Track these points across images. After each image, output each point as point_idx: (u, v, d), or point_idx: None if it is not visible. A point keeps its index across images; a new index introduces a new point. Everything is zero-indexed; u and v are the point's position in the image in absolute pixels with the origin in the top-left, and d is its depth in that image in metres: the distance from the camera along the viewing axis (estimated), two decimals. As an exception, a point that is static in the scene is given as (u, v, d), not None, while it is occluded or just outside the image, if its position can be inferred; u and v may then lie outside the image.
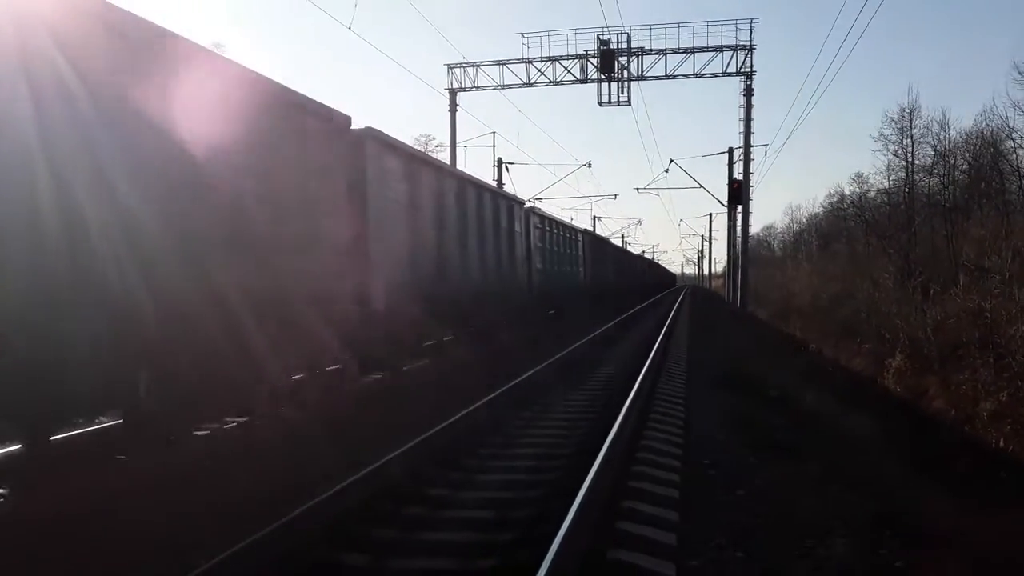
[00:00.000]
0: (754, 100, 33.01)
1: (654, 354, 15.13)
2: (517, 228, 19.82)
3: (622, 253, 57.70)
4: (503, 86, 32.46)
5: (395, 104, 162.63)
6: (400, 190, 11.98)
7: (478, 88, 33.11)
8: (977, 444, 12.26)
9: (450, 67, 33.07)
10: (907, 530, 6.51)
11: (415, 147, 18.16)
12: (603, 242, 42.97)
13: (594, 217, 61.93)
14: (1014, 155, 26.24)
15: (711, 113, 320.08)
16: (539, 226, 23.43)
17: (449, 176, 15.16)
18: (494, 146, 43.17)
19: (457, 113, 33.43)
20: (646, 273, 78.29)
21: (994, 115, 32.59)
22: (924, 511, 7.70)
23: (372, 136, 11.10)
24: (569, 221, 31.85)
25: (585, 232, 33.29)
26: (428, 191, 13.28)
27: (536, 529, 5.52)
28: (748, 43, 31.28)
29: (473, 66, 32.80)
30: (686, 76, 31.55)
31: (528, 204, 23.39)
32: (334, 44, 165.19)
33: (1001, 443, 11.75)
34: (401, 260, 11.89)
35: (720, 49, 31.08)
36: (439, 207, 13.84)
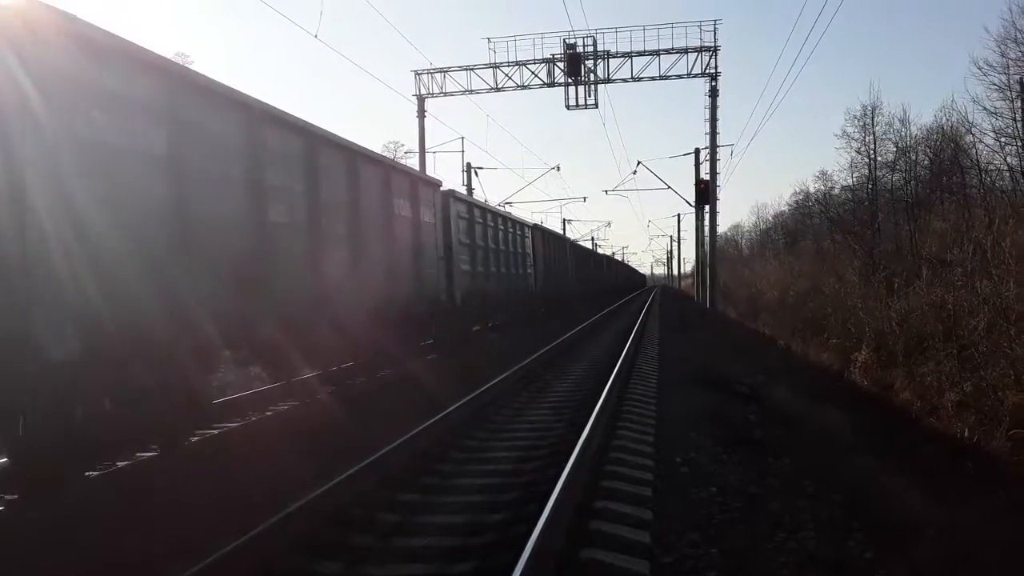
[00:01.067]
0: (720, 101, 33.33)
1: (625, 352, 15.27)
2: (426, 218, 15.61)
3: (586, 252, 55.33)
4: (471, 91, 32.52)
5: (363, 111, 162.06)
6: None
7: (446, 94, 33.13)
8: (943, 435, 12.49)
9: (417, 73, 33.06)
10: (875, 522, 6.65)
11: (385, 154, 17.81)
12: (560, 239, 40.18)
13: (563, 220, 62.21)
14: (973, 149, 26.78)
15: (678, 114, 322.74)
16: (464, 216, 19.09)
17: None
18: (463, 151, 43.04)
19: (425, 119, 33.43)
20: (616, 275, 78.62)
21: (953, 110, 33.20)
22: (892, 503, 7.86)
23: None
24: (513, 214, 28.07)
25: (535, 228, 30.58)
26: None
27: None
28: (712, 44, 31.62)
29: (440, 72, 32.81)
30: (652, 78, 31.81)
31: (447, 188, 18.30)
32: (301, 53, 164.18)
33: (966, 433, 11.97)
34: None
35: (685, 51, 31.38)
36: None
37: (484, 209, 21.84)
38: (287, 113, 10.09)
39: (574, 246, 46.92)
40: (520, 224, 26.62)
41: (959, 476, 10.15)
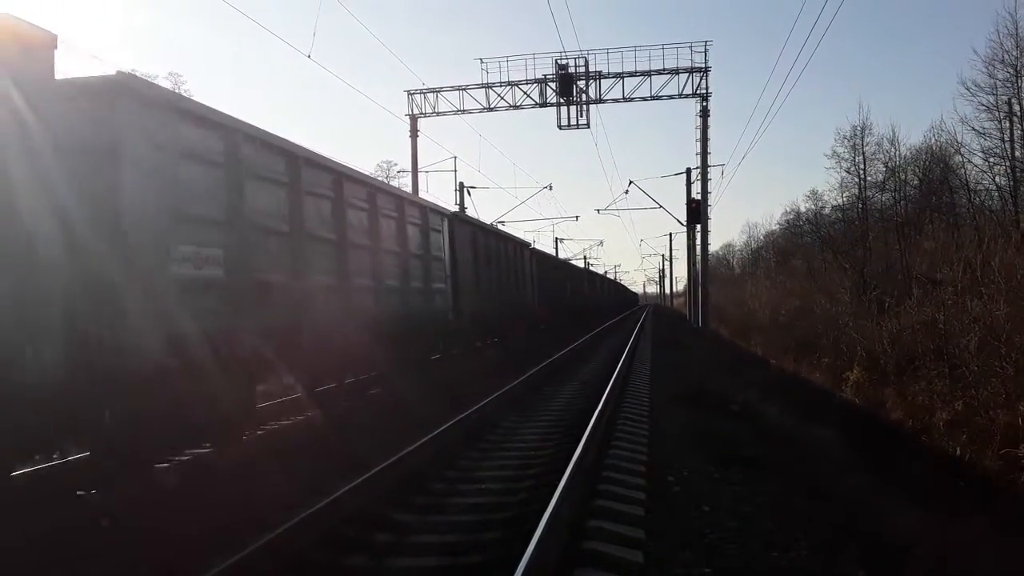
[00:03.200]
0: (711, 120, 33.56)
1: (618, 371, 15.28)
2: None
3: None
4: (463, 111, 32.65)
5: (357, 130, 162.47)
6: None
7: (438, 114, 33.27)
8: (934, 453, 12.50)
9: (410, 93, 33.20)
10: (868, 540, 6.65)
11: (377, 174, 17.72)
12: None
13: (556, 239, 62.35)
14: (962, 169, 26.97)
15: (669, 134, 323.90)
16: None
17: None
18: (455, 171, 43.18)
19: (418, 138, 33.55)
20: (609, 293, 78.77)
21: (942, 131, 33.56)
22: (884, 521, 7.87)
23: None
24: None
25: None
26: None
27: None
28: (703, 65, 31.88)
29: (433, 92, 32.98)
30: (643, 98, 32.01)
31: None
32: (294, 73, 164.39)
33: (957, 452, 11.98)
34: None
35: (676, 71, 31.60)
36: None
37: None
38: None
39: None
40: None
41: (951, 495, 10.16)
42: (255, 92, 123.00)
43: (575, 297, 44.91)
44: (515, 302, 24.76)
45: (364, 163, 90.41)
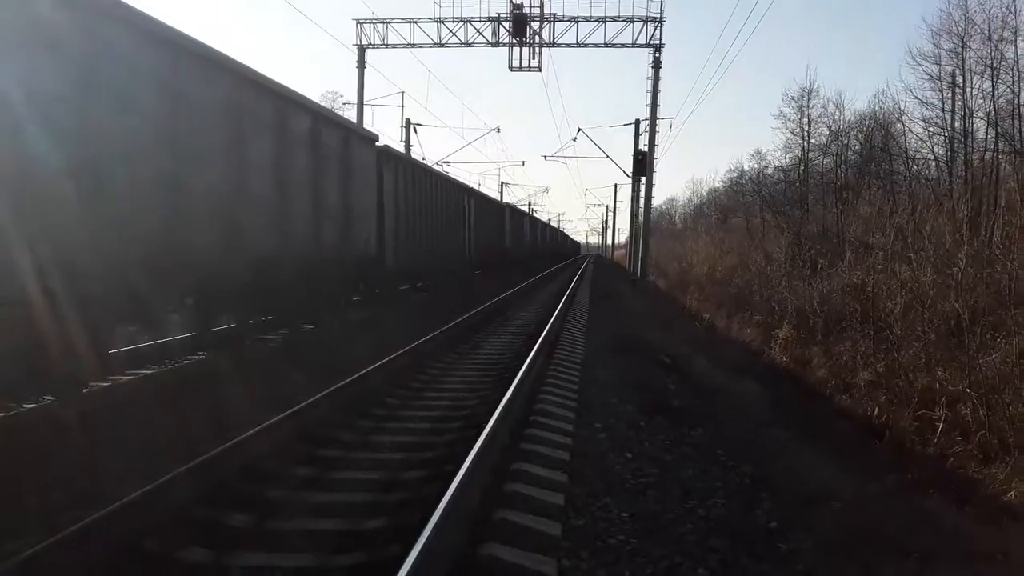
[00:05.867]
0: (662, 73, 33.44)
1: (554, 319, 15.33)
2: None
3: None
4: (414, 45, 31.89)
5: (301, 58, 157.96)
6: None
7: (388, 46, 32.43)
8: (854, 412, 12.89)
9: (359, 22, 32.28)
10: (783, 493, 6.82)
11: (322, 104, 16.95)
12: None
13: (502, 183, 62.02)
14: (903, 137, 27.46)
15: (620, 84, 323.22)
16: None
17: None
18: (403, 106, 42.57)
19: (365, 70, 32.75)
20: (551, 241, 78.97)
21: (887, 97, 34.15)
22: (800, 476, 8.07)
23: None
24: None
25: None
26: None
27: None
28: (658, 15, 31.63)
29: (383, 23, 32.10)
30: (597, 45, 31.66)
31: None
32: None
33: (875, 412, 12.37)
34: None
35: (631, 20, 31.30)
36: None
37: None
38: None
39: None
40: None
41: (867, 452, 10.50)
42: (196, 12, 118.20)
43: (515, 244, 44.60)
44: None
45: (308, 92, 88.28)
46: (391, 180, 17.41)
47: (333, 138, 13.41)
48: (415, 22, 31.69)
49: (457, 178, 30.02)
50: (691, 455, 7.46)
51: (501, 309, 20.01)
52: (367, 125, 31.85)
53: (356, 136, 14.73)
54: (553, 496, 5.52)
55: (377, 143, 16.72)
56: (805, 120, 35.32)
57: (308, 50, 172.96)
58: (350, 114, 33.68)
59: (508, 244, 41.03)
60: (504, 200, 50.61)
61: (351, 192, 14.23)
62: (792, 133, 35.99)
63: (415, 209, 19.94)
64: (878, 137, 31.05)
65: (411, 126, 36.14)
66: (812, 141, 35.26)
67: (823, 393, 14.25)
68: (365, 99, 33.28)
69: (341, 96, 60.24)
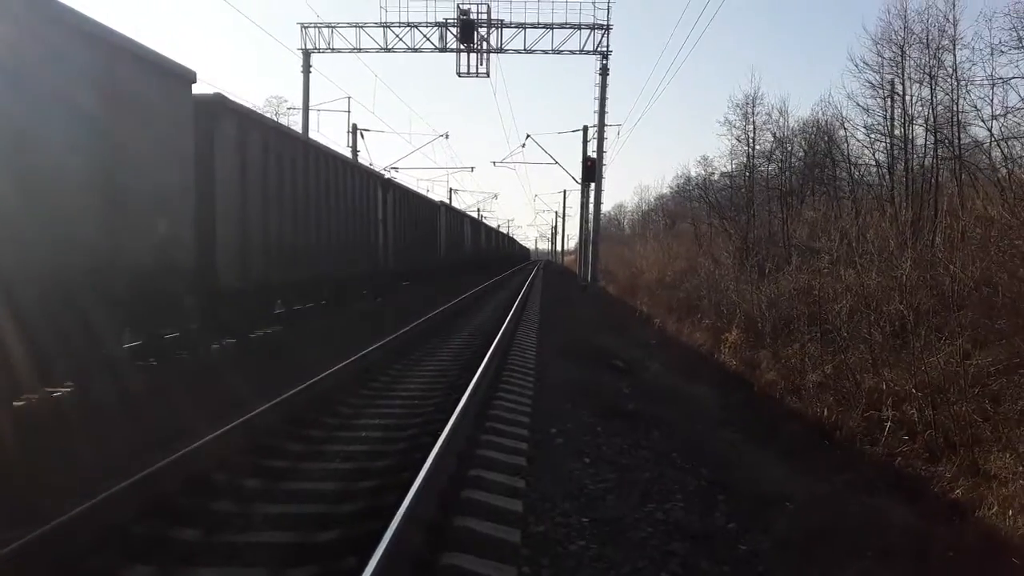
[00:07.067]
0: (610, 80, 33.60)
1: (506, 326, 15.25)
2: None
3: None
4: (360, 50, 31.57)
5: (245, 63, 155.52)
6: None
7: (334, 50, 32.03)
8: (804, 414, 13.02)
9: (304, 26, 31.86)
10: (739, 494, 6.84)
11: (265, 111, 15.60)
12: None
13: (450, 189, 61.80)
14: (846, 144, 27.95)
15: (568, 91, 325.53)
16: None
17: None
18: (349, 111, 41.82)
19: (311, 75, 32.33)
20: (500, 248, 78.90)
21: (830, 105, 34.79)
22: (754, 477, 8.12)
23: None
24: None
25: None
26: None
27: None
28: (605, 22, 31.82)
29: (328, 27, 31.72)
30: (544, 52, 31.69)
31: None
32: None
33: (824, 413, 12.51)
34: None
35: (578, 27, 31.41)
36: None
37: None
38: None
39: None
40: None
41: (818, 453, 10.61)
42: (138, 14, 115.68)
43: (453, 248, 41.91)
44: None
45: (252, 97, 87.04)
46: (230, 148, 12.29)
47: (76, 59, 8.02)
48: (361, 27, 31.38)
49: (373, 168, 26.09)
50: (647, 458, 7.45)
51: (458, 313, 19.76)
52: (312, 131, 31.41)
53: (137, 63, 9.18)
54: (511, 503, 5.43)
55: (196, 85, 10.95)
56: (750, 127, 35.78)
57: (251, 53, 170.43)
58: (295, 120, 33.18)
59: (443, 249, 38.16)
60: (455, 206, 50.27)
61: (124, 158, 8.94)
62: (737, 140, 36.42)
63: (287, 196, 14.64)
64: (822, 144, 31.61)
65: (358, 131, 35.81)
66: (757, 148, 35.78)
67: (773, 395, 14.39)
68: (310, 104, 32.85)
69: (286, 101, 59.27)
